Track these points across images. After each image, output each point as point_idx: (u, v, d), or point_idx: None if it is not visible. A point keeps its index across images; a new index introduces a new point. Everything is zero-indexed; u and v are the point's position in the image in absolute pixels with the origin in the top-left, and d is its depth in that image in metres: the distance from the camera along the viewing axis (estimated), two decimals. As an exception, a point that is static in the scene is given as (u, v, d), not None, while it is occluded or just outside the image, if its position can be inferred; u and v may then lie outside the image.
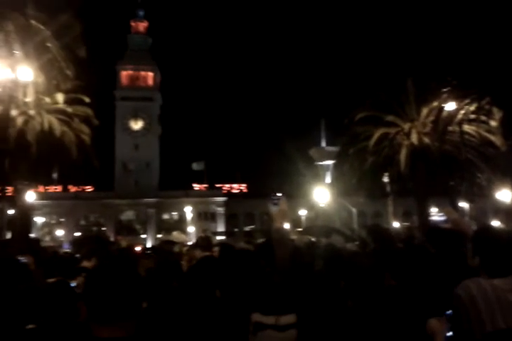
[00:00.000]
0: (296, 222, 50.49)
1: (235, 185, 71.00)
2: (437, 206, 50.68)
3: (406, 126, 29.59)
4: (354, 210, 37.19)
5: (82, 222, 66.59)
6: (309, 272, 3.59)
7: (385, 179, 30.89)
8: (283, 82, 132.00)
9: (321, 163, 36.29)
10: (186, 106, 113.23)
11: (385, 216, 52.28)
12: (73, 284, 4.04)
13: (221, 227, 65.84)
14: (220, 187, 69.99)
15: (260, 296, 2.58)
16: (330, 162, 35.55)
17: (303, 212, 55.13)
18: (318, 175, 36.91)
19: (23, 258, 5.84)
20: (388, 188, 32.32)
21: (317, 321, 2.41)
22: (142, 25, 75.21)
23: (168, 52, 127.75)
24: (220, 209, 68.70)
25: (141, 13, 75.14)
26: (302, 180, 43.12)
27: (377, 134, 28.80)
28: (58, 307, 3.03)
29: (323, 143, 37.16)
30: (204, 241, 7.17)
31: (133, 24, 74.96)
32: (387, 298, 2.63)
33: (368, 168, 28.88)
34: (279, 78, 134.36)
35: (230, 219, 68.47)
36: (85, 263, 5.55)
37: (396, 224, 37.97)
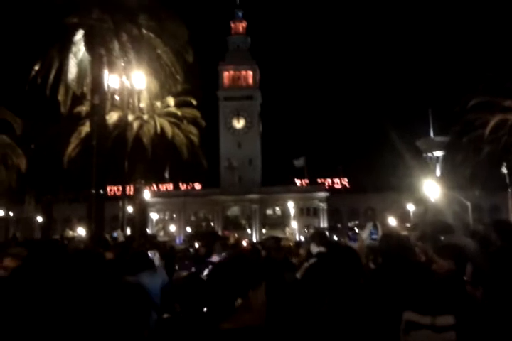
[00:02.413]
0: (404, 217, 48.45)
1: (336, 180, 69.97)
2: None
3: (528, 111, 26.96)
4: (468, 204, 34.68)
5: (192, 218, 70.31)
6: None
7: (504, 170, 28.44)
8: (386, 71, 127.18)
9: (429, 154, 34.32)
10: (286, 103, 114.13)
11: (504, 210, 48.01)
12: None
13: (324, 223, 65.42)
14: (322, 182, 69.48)
15: (415, 295, 2.50)
16: (439, 153, 33.49)
17: (411, 207, 52.76)
18: (426, 168, 34.98)
19: (151, 253, 6.30)
20: (508, 180, 29.69)
21: (477, 324, 2.28)
22: (241, 26, 77.10)
23: (267, 49, 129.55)
24: (322, 205, 68.24)
25: (240, 13, 77.06)
26: (409, 172, 41.22)
27: (493, 121, 26.63)
28: (190, 298, 3.24)
29: (432, 133, 35.05)
30: (320, 236, 7.18)
31: (232, 25, 77.14)
32: None
33: (484, 158, 26.83)
34: (382, 67, 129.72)
35: (333, 214, 67.72)
36: (215, 258, 5.81)
37: (518, 219, 34.67)
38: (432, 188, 31.93)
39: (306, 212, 67.75)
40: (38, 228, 44.78)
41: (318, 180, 69.33)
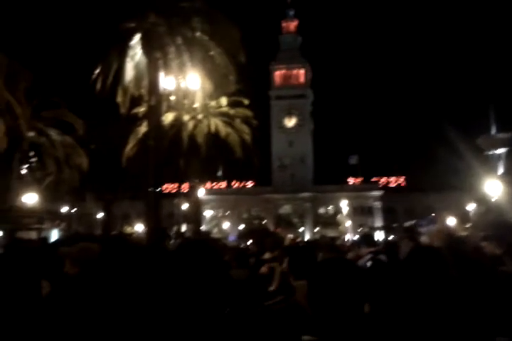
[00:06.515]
0: (464, 217, 46.54)
1: (392, 179, 68.32)
2: None
3: None
4: (534, 204, 32.74)
5: (245, 216, 71.01)
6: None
7: None
8: (445, 65, 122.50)
9: (491, 152, 32.74)
10: (338, 101, 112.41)
11: None
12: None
13: (378, 222, 64.07)
14: (376, 181, 68.10)
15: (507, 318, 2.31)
16: (502, 150, 31.84)
17: (471, 207, 50.54)
18: (488, 166, 33.40)
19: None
20: None
21: None
22: (293, 25, 76.90)
23: (319, 48, 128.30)
24: (377, 204, 66.90)
25: (291, 12, 76.85)
26: (469, 171, 39.56)
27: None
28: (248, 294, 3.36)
29: (494, 130, 33.38)
30: (369, 239, 7.14)
31: (284, 24, 77.08)
32: None
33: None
34: (441, 60, 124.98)
35: (388, 213, 66.14)
36: (267, 255, 5.87)
37: None
38: (493, 187, 30.44)
39: (360, 211, 66.65)
40: (98, 224, 46.91)
41: (373, 179, 68.06)
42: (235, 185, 70.27)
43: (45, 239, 10.33)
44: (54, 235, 19.72)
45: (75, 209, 44.08)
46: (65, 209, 39.20)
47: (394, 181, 68.33)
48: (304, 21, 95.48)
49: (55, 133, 25.60)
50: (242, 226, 64.38)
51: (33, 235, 16.22)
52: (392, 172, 67.85)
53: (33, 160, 23.94)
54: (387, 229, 49.77)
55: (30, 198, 22.21)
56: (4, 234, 16.83)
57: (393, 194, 65.15)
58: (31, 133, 24.57)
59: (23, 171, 23.49)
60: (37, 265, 3.20)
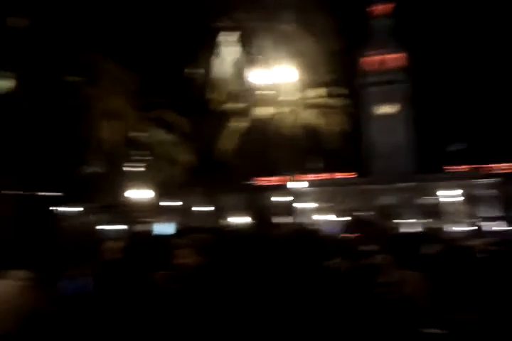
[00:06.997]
0: None
1: (505, 164, 62.87)
2: None
3: None
4: None
5: (342, 207, 69.96)
6: None
7: None
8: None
9: None
10: (441, 84, 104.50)
11: None
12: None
13: (494, 211, 59.35)
14: (487, 168, 63.18)
15: None
16: None
17: None
18: None
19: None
20: None
21: None
22: (385, 8, 73.77)
23: (415, 29, 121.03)
24: (490, 192, 62.00)
25: (384, -5, 73.67)
26: None
27: None
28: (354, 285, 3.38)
29: None
30: (480, 229, 6.78)
31: (375, 7, 74.23)
32: None
33: None
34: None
35: (506, 202, 60.88)
36: (371, 246, 5.78)
37: None
38: None
39: (469, 201, 62.35)
40: (205, 217, 49.22)
41: (483, 166, 63.29)
42: (331, 176, 69.46)
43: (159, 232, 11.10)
44: (168, 228, 21.11)
45: (184, 203, 46.77)
46: (174, 203, 41.79)
47: (508, 167, 62.88)
48: (399, 3, 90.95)
49: (162, 132, 27.30)
50: (340, 218, 63.60)
51: (148, 228, 17.49)
52: (504, 159, 62.49)
53: (144, 158, 25.86)
54: (505, 218, 46.21)
55: (144, 194, 24.05)
56: (127, 227, 18.35)
57: (509, 181, 59.92)
58: (140, 133, 26.50)
59: (136, 169, 25.51)
60: (156, 256, 3.50)
